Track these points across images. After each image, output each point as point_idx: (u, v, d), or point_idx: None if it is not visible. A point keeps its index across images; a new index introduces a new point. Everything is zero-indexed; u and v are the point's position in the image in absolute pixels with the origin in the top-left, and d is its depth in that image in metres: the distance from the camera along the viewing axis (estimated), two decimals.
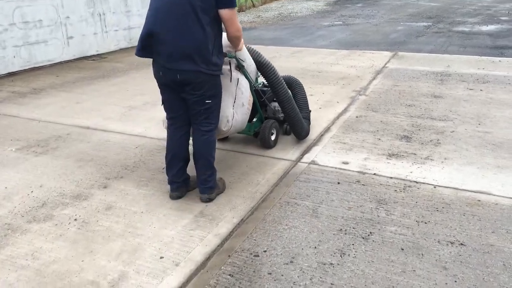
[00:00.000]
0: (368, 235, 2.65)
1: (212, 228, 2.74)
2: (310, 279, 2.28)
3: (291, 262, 2.41)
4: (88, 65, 7.65)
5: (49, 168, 3.64)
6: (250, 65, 3.47)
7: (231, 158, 3.75)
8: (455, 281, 2.25)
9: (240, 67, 3.35)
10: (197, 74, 2.75)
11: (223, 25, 2.85)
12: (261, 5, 17.67)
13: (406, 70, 6.84)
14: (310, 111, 4.26)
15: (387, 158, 3.72)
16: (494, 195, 3.10)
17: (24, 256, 2.50)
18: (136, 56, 2.90)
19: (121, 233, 2.71)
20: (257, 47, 3.82)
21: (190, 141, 3.12)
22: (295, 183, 3.29)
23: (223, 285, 2.26)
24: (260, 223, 2.78)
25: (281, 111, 3.86)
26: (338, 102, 5.26)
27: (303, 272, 2.33)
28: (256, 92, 3.73)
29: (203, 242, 2.60)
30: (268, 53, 7.98)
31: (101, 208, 3.01)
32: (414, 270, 2.34)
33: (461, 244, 2.56)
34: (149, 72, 2.96)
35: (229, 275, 2.32)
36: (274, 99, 3.88)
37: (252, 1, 17.08)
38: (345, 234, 2.66)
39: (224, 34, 2.98)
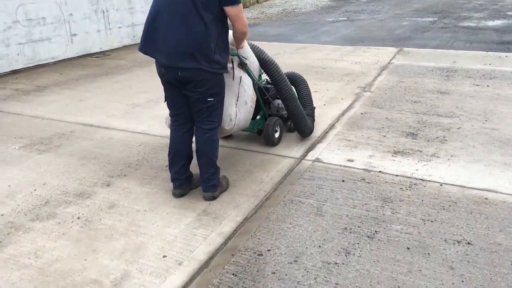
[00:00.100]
0: (374, 234, 2.61)
1: (216, 226, 2.72)
2: (315, 279, 2.25)
3: (295, 261, 2.39)
4: (91, 63, 7.64)
5: (52, 166, 3.63)
6: (253, 62, 3.44)
7: (234, 156, 3.72)
8: (462, 281, 2.22)
9: (243, 65, 3.31)
10: (198, 72, 2.72)
11: (229, 22, 2.81)
12: (265, 1, 17.60)
13: (412, 66, 6.78)
14: (314, 108, 4.22)
15: (392, 155, 3.68)
16: (502, 193, 3.05)
17: (27, 255, 2.49)
18: (140, 53, 2.88)
19: (124, 232, 2.70)
20: (261, 44, 3.79)
21: (194, 139, 3.09)
22: (299, 181, 3.26)
23: (227, 284, 2.23)
24: (264, 222, 2.76)
25: (285, 108, 3.82)
26: (342, 99, 5.21)
27: (307, 271, 2.31)
28: (259, 89, 3.69)
29: (206, 241, 2.58)
30: (272, 49, 7.95)
31: (104, 207, 2.99)
32: (420, 270, 2.30)
33: (468, 243, 2.52)
34: (153, 70, 2.93)
35: (233, 274, 2.30)
36: (278, 96, 3.84)
37: None
38: (350, 233, 2.63)
39: (230, 32, 2.94)
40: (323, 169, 3.46)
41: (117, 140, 4.16)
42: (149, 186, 3.24)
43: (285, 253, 2.46)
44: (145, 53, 2.85)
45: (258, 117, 3.90)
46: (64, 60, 7.76)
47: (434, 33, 9.80)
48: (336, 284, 2.22)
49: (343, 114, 4.70)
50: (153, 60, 2.88)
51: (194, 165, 3.10)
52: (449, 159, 3.59)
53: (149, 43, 2.81)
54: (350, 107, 4.93)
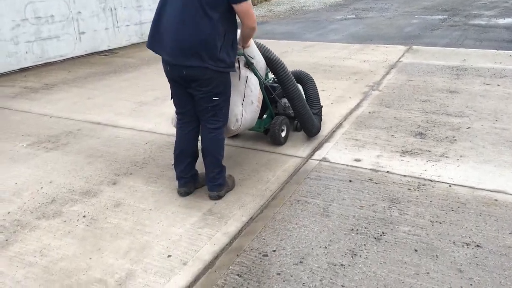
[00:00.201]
0: (381, 235, 2.58)
1: (221, 226, 2.71)
2: (320, 281, 2.22)
3: (301, 262, 2.36)
4: (99, 61, 7.66)
5: (59, 164, 3.64)
6: (259, 61, 3.41)
7: (240, 155, 3.70)
8: (471, 285, 2.18)
9: (249, 65, 3.29)
10: (204, 70, 2.70)
11: (237, 19, 2.79)
12: None
13: (421, 65, 6.70)
14: (321, 106, 4.18)
15: (400, 155, 3.63)
16: None
17: (33, 253, 2.50)
18: (148, 51, 2.87)
19: (129, 231, 2.69)
20: (269, 42, 3.76)
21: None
22: (306, 181, 3.23)
23: (231, 285, 2.22)
24: (270, 222, 2.73)
25: (291, 108, 3.79)
26: (350, 98, 5.16)
27: (313, 273, 2.28)
28: (266, 88, 3.67)
29: (212, 240, 2.57)
30: (280, 47, 7.91)
31: (109, 205, 2.99)
32: (428, 273, 2.27)
33: (477, 245, 2.47)
34: (160, 67, 2.92)
35: (237, 275, 2.28)
36: (284, 95, 3.81)
37: None
38: (357, 234, 2.60)
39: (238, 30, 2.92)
40: (330, 168, 3.42)
41: (124, 138, 4.16)
42: (155, 185, 3.24)
43: (290, 254, 2.43)
44: (153, 49, 2.84)
45: (264, 116, 3.88)
46: (72, 58, 7.79)
47: (444, 31, 9.68)
48: (342, 286, 2.19)
49: (350, 113, 4.66)
50: (161, 57, 2.88)
51: (200, 164, 3.09)
52: (458, 159, 3.54)
53: (156, 40, 2.81)
54: (358, 106, 4.88)
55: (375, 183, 3.19)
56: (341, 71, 6.41)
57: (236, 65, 3.12)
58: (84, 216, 2.86)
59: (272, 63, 3.52)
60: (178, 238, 2.60)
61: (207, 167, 2.98)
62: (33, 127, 4.50)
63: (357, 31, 10.08)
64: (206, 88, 2.77)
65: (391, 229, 2.63)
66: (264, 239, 2.57)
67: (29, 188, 3.26)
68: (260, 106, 3.43)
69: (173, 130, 3.24)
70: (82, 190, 3.21)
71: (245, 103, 3.24)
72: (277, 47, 7.61)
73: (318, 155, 3.67)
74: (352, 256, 2.40)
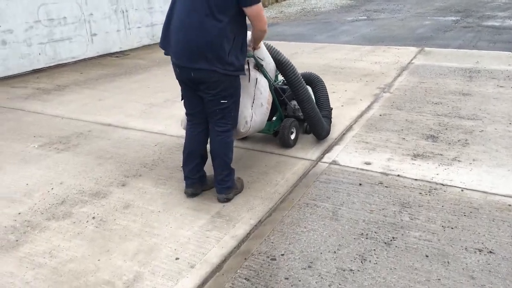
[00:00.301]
0: (391, 240, 2.54)
1: (229, 229, 2.69)
2: (329, 286, 2.20)
3: (309, 267, 2.34)
4: (111, 62, 7.72)
5: (70, 165, 3.67)
6: (269, 63, 3.40)
7: (250, 157, 3.69)
8: None
9: (259, 67, 3.28)
10: (211, 73, 2.70)
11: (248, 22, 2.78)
12: (284, 0, 17.52)
13: (433, 66, 6.62)
14: (331, 109, 4.15)
15: (412, 158, 3.59)
16: None
17: (42, 254, 2.51)
18: (158, 53, 2.89)
19: (138, 233, 2.69)
20: (279, 43, 3.75)
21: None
22: (315, 184, 3.21)
23: None
24: (278, 225, 2.71)
25: (301, 111, 3.77)
26: (361, 100, 5.12)
27: (322, 278, 2.25)
28: (275, 90, 3.65)
29: (220, 243, 2.55)
30: (290, 49, 7.89)
31: (119, 207, 3.00)
32: (439, 279, 2.23)
33: (490, 252, 2.42)
34: (171, 69, 2.93)
35: (245, 279, 2.27)
36: (294, 97, 3.78)
37: None
38: (366, 238, 2.56)
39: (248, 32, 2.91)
40: (340, 172, 3.39)
41: (134, 140, 4.18)
42: (164, 187, 3.24)
43: (299, 258, 2.41)
44: (164, 49, 2.87)
45: (274, 118, 3.86)
46: (84, 60, 7.86)
47: (457, 33, 9.57)
48: None
49: (361, 115, 4.62)
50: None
51: (209, 166, 3.08)
52: (471, 163, 3.48)
53: (166, 41, 2.83)
54: (368, 108, 4.84)
55: (386, 187, 3.15)
56: (352, 73, 6.37)
57: (246, 67, 3.11)
58: (93, 218, 2.88)
59: (282, 65, 3.51)
60: (186, 241, 2.59)
61: (216, 169, 2.97)
62: (44, 128, 4.54)
63: (368, 33, 10.02)
64: (214, 91, 2.76)
65: (402, 234, 2.59)
66: (272, 242, 2.55)
67: (40, 189, 3.28)
68: (269, 108, 3.42)
69: (183, 132, 3.24)
70: (92, 192, 3.22)
71: (255, 105, 3.23)
72: (287, 49, 7.59)
73: (328, 158, 3.64)
74: (361, 261, 2.37)
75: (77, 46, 7.75)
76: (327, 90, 4.17)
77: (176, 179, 3.32)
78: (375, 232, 2.62)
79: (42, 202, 3.09)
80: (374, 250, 2.46)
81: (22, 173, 3.54)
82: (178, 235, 2.65)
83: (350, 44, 8.65)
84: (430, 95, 5.23)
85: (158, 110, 5.02)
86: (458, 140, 3.92)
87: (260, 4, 2.69)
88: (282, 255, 2.44)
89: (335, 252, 2.45)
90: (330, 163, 3.53)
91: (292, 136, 3.82)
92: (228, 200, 2.99)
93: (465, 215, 2.77)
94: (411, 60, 7.12)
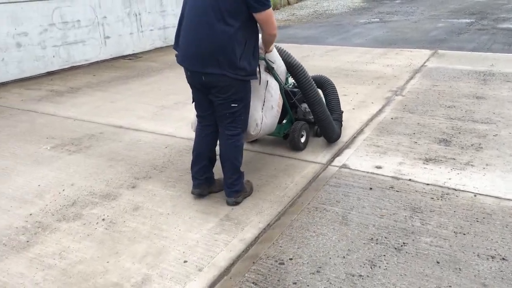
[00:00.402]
0: (401, 245, 2.51)
1: (238, 232, 2.68)
2: None
3: (318, 272, 2.31)
4: (123, 65, 7.79)
5: (81, 167, 3.70)
6: (280, 66, 3.39)
7: (259, 160, 3.68)
8: None
9: (270, 69, 3.27)
10: (222, 77, 2.70)
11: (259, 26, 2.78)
12: (296, 2, 17.52)
13: (447, 69, 6.54)
14: (342, 112, 4.12)
15: (423, 163, 3.54)
16: None
17: (52, 255, 2.53)
18: (170, 56, 2.92)
19: (147, 235, 2.70)
20: (291, 46, 3.74)
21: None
22: (325, 188, 3.18)
23: None
24: (287, 229, 2.70)
25: (311, 113, 3.75)
26: (372, 103, 5.08)
27: (330, 283, 2.23)
28: (286, 93, 3.64)
29: (228, 247, 2.55)
30: (302, 51, 7.87)
31: (128, 209, 3.01)
32: (450, 286, 2.18)
33: (503, 258, 2.37)
34: (182, 72, 2.93)
35: (253, 283, 2.25)
36: (304, 100, 3.77)
37: None
38: (376, 244, 2.53)
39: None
40: (350, 175, 3.36)
41: (145, 142, 4.20)
42: (173, 189, 3.24)
43: (307, 262, 2.39)
44: (177, 51, 2.89)
45: (284, 121, 3.85)
46: (97, 62, 7.95)
47: (471, 35, 9.44)
48: None
49: (372, 118, 4.58)
50: None
51: (218, 169, 3.08)
52: (484, 168, 3.42)
53: (178, 45, 2.85)
54: (380, 111, 4.79)
55: (397, 191, 3.11)
56: (364, 76, 6.32)
57: (257, 69, 3.10)
58: (103, 219, 2.89)
59: (293, 67, 3.49)
60: (194, 244, 2.59)
61: (225, 173, 2.97)
62: (57, 130, 4.60)
63: (381, 35, 9.95)
64: (225, 95, 2.76)
65: (413, 240, 2.55)
66: (281, 246, 2.54)
67: (51, 190, 3.32)
68: (280, 111, 3.41)
69: (193, 134, 3.24)
70: (102, 193, 3.24)
71: (265, 107, 3.22)
72: (299, 52, 7.57)
73: (338, 161, 3.61)
74: (371, 267, 2.34)
75: (90, 49, 7.84)
76: (338, 93, 4.15)
77: (185, 182, 3.33)
78: (385, 237, 2.58)
79: (53, 204, 3.12)
80: (384, 255, 2.43)
81: (35, 175, 3.58)
82: (186, 238, 2.65)
83: (362, 47, 8.59)
84: (443, 98, 5.16)
85: (169, 112, 5.05)
86: (472, 144, 3.85)
87: (270, 9, 2.69)
88: (291, 259, 2.42)
89: (344, 257, 2.42)
90: (341, 167, 3.51)
91: (302, 139, 3.80)
92: (237, 203, 2.98)
93: (477, 221, 2.72)
94: (424, 62, 7.05)
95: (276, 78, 3.35)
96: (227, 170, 2.95)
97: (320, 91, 3.82)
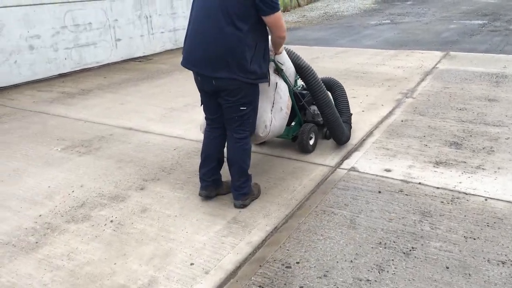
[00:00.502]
0: (410, 250, 2.47)
1: (245, 235, 2.68)
2: None
3: (325, 276, 2.30)
4: (134, 67, 7.85)
5: (91, 169, 3.73)
6: (289, 68, 3.38)
7: (267, 163, 3.67)
8: None
9: (279, 71, 3.26)
10: (233, 81, 2.69)
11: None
12: (307, 4, 17.48)
13: (458, 71, 6.46)
14: (351, 114, 4.10)
15: (434, 166, 3.50)
16: None
17: (60, 257, 2.55)
18: (180, 58, 2.90)
19: (154, 237, 2.71)
20: (301, 48, 3.73)
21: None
22: (333, 191, 3.16)
23: None
24: (294, 232, 2.68)
25: (321, 115, 3.73)
26: (382, 105, 5.04)
27: (337, 287, 2.21)
28: (295, 95, 3.62)
29: (235, 250, 2.54)
30: (311, 53, 7.85)
31: (136, 210, 3.03)
32: None
33: None
34: (192, 74, 2.93)
35: (259, 286, 2.24)
36: (314, 102, 3.75)
37: (297, 1, 16.93)
38: (385, 248, 2.50)
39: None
40: (359, 178, 3.33)
41: (154, 144, 4.22)
42: (181, 191, 3.25)
43: (314, 266, 2.37)
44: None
45: (293, 123, 3.84)
46: (108, 64, 8.01)
47: (484, 37, 9.33)
48: None
49: (382, 121, 4.54)
50: None
51: (226, 171, 3.08)
52: (495, 171, 3.37)
53: (187, 49, 2.84)
54: (390, 113, 4.75)
55: (406, 195, 3.08)
56: (374, 78, 6.28)
57: (267, 72, 3.09)
58: (111, 221, 2.91)
59: (302, 69, 3.48)
60: (201, 246, 2.59)
61: (233, 176, 2.96)
62: (68, 132, 4.64)
63: (391, 37, 9.88)
64: (234, 98, 2.76)
65: (422, 244, 2.52)
66: (287, 250, 2.52)
67: (61, 191, 3.35)
68: (289, 113, 3.40)
69: (202, 137, 3.24)
70: (111, 195, 3.26)
71: (274, 109, 3.21)
72: (309, 53, 7.55)
73: (347, 164, 3.59)
74: (379, 272, 2.31)
75: (101, 51, 7.91)
76: (347, 96, 4.12)
77: (193, 184, 3.33)
78: (394, 242, 2.55)
79: (63, 205, 3.14)
80: (392, 260, 2.40)
81: (45, 176, 3.62)
82: (193, 240, 2.65)
83: (372, 48, 8.54)
84: (454, 101, 5.10)
85: (178, 114, 5.07)
86: (483, 148, 3.80)
87: (279, 12, 2.68)
88: (298, 263, 2.41)
89: (351, 261, 2.40)
90: (349, 170, 3.48)
91: (311, 142, 3.79)
92: (244, 206, 2.97)
93: (488, 226, 2.68)
94: (436, 64, 6.98)
95: (285, 80, 3.34)
96: (234, 173, 2.95)
97: (329, 94, 3.79)
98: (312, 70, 3.51)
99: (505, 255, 2.40)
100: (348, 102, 4.08)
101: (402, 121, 4.52)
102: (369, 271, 2.32)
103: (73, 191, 3.34)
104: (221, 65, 2.66)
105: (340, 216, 2.83)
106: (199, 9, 2.71)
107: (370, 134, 4.21)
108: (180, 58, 2.92)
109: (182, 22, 9.40)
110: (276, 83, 3.22)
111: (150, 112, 5.18)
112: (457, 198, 3.01)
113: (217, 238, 2.66)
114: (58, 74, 7.26)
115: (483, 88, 5.55)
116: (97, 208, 3.08)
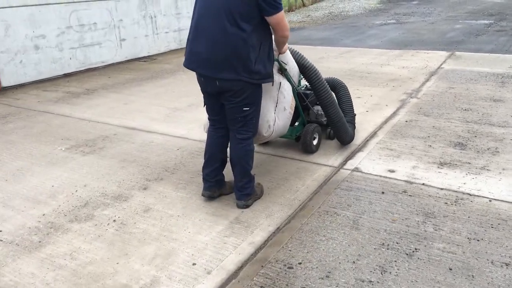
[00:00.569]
0: (413, 251, 2.46)
1: (247, 235, 2.67)
2: None
3: (327, 276, 2.29)
4: (138, 67, 7.86)
5: (94, 168, 3.74)
6: (292, 68, 3.37)
7: (270, 163, 3.66)
8: None
9: (283, 71, 3.25)
10: (238, 82, 2.68)
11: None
12: (311, 4, 17.45)
13: (464, 71, 6.42)
14: (355, 114, 4.08)
15: (438, 167, 3.47)
16: None
17: (63, 256, 2.56)
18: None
19: (157, 237, 2.71)
20: (305, 48, 3.72)
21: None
22: (336, 191, 3.15)
23: None
24: (297, 233, 2.67)
25: (324, 115, 3.72)
26: (386, 105, 5.02)
27: None
28: (298, 95, 3.62)
29: (237, 250, 2.54)
30: (316, 53, 7.84)
31: (139, 210, 3.03)
32: None
33: None
34: (195, 74, 2.93)
35: (261, 287, 2.24)
36: (317, 102, 3.74)
37: (302, 0, 16.90)
38: (387, 249, 2.49)
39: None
40: (362, 179, 3.32)
41: (157, 143, 4.22)
42: (184, 191, 3.25)
43: (316, 267, 2.36)
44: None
45: (296, 123, 3.83)
46: (113, 64, 8.04)
47: (489, 37, 9.26)
48: None
49: (386, 121, 4.52)
50: None
51: (229, 172, 3.08)
52: (500, 172, 3.34)
53: (190, 50, 2.83)
54: (394, 114, 4.73)
55: (410, 195, 3.06)
56: (378, 78, 6.25)
57: (272, 72, 3.09)
58: (114, 221, 2.91)
59: (306, 69, 3.47)
60: (203, 246, 2.59)
61: (236, 176, 2.96)
62: (72, 131, 4.66)
63: (396, 37, 9.83)
64: (238, 99, 2.75)
65: (425, 246, 2.51)
66: (290, 250, 2.52)
67: (65, 191, 3.36)
68: (292, 113, 3.39)
69: (205, 136, 3.25)
70: (114, 194, 3.27)
71: (278, 109, 3.20)
72: (313, 53, 7.54)
73: (350, 164, 3.57)
74: (381, 273, 2.30)
75: (106, 51, 7.94)
76: (351, 96, 4.11)
77: (196, 184, 3.33)
78: (397, 243, 2.54)
79: (66, 204, 3.15)
80: (395, 261, 2.38)
81: (49, 175, 3.63)
82: (196, 240, 2.65)
83: (377, 48, 8.51)
84: (459, 101, 5.07)
85: (182, 114, 5.07)
86: (488, 148, 3.77)
87: (282, 11, 2.67)
88: (300, 263, 2.40)
89: (354, 262, 2.39)
90: (353, 170, 3.47)
91: (315, 142, 3.78)
92: (247, 206, 2.97)
93: (492, 227, 2.65)
94: (441, 64, 6.94)
95: (289, 80, 3.33)
96: (237, 173, 2.94)
97: (333, 94, 3.78)
98: (316, 70, 3.50)
99: (509, 257, 2.38)
100: (352, 102, 4.07)
101: (406, 121, 4.49)
102: (371, 272, 2.30)
103: (76, 191, 3.35)
104: (225, 66, 2.65)
105: (343, 217, 2.82)
106: (202, 9, 2.71)
107: (374, 134, 4.19)
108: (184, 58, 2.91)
109: (186, 22, 9.41)
110: (280, 82, 3.21)
111: (154, 112, 5.19)
112: (461, 199, 2.99)
113: (219, 238, 2.66)
114: (63, 74, 7.29)
115: (488, 89, 5.51)
116: (100, 208, 3.09)
